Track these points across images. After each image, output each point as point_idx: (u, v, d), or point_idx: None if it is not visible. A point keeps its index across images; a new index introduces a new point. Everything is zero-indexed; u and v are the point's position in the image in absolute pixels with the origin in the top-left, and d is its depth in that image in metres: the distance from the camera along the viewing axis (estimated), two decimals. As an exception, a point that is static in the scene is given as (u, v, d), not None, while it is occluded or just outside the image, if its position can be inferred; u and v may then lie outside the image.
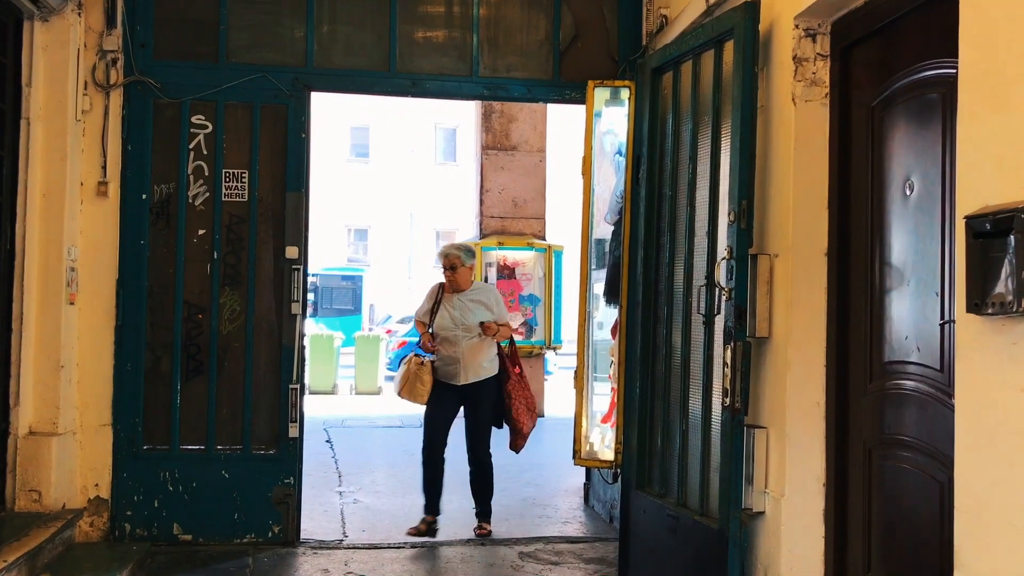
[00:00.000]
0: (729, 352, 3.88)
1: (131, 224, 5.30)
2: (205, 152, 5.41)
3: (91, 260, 5.22)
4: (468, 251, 5.79)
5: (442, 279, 5.84)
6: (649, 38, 5.55)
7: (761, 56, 4.03)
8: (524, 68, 5.81)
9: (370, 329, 23.09)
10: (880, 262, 3.52)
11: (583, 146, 5.37)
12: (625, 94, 5.16)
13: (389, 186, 33.88)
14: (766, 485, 3.92)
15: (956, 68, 2.83)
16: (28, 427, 4.94)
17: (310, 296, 15.90)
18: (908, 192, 3.35)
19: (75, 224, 5.15)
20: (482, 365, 5.68)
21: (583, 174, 5.36)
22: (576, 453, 5.32)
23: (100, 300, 5.23)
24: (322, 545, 5.45)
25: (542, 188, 12.28)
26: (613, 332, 5.34)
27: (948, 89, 3.09)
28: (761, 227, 4.02)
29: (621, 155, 5.30)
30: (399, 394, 5.76)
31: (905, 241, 3.37)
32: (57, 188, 5.04)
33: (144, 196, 5.32)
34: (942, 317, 3.10)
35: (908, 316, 3.33)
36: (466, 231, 19.00)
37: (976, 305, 2.54)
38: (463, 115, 27.29)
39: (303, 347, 5.45)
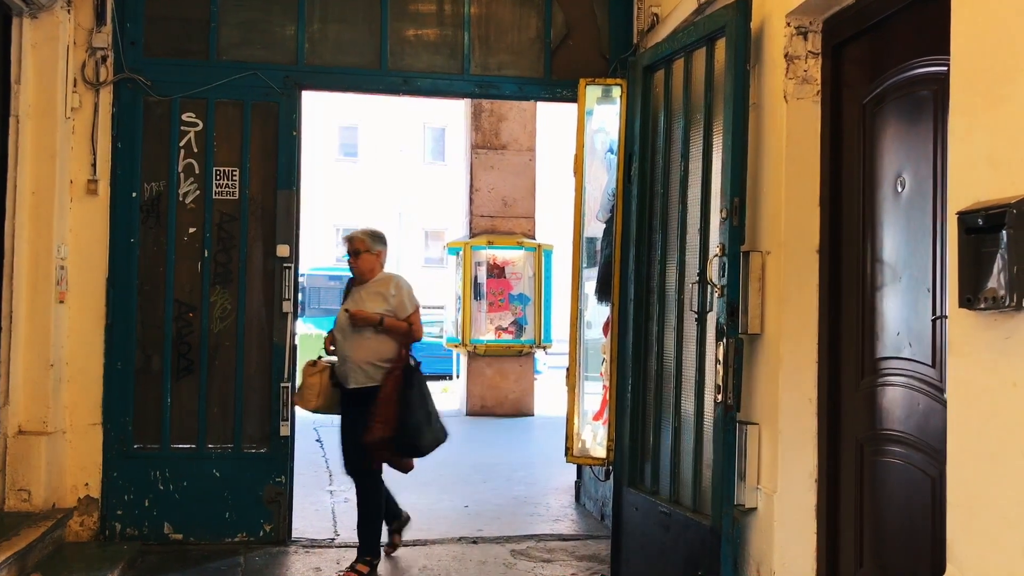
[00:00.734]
0: (721, 349, 3.90)
1: (121, 222, 5.28)
2: (196, 150, 5.40)
3: (81, 258, 5.19)
4: (377, 236, 5.11)
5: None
6: (640, 36, 5.57)
7: (753, 54, 4.04)
8: (515, 66, 5.82)
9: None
10: (872, 259, 3.53)
11: (574, 144, 5.37)
12: (616, 92, 5.17)
13: (378, 186, 33.80)
14: (758, 481, 3.94)
15: (947, 66, 2.85)
16: (18, 426, 4.91)
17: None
18: (900, 189, 3.36)
19: (65, 222, 5.13)
20: (367, 367, 4.86)
21: (575, 172, 5.36)
22: (568, 451, 5.32)
23: (90, 299, 5.21)
24: (314, 544, 5.44)
25: (532, 187, 12.30)
26: (605, 329, 5.35)
27: (939, 86, 3.11)
28: (753, 224, 4.03)
29: (612, 153, 5.31)
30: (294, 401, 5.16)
31: (897, 238, 3.39)
32: (46, 186, 5.02)
33: (134, 194, 5.30)
34: (934, 313, 3.12)
35: (900, 312, 3.35)
36: (455, 231, 19.01)
37: (968, 300, 2.55)
38: (452, 115, 27.27)
39: (294, 346, 5.44)
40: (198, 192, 5.39)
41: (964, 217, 2.57)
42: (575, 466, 6.57)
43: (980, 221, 2.49)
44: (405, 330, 4.92)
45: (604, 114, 5.42)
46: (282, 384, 5.36)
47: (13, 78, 4.92)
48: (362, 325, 4.85)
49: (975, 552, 2.60)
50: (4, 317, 4.88)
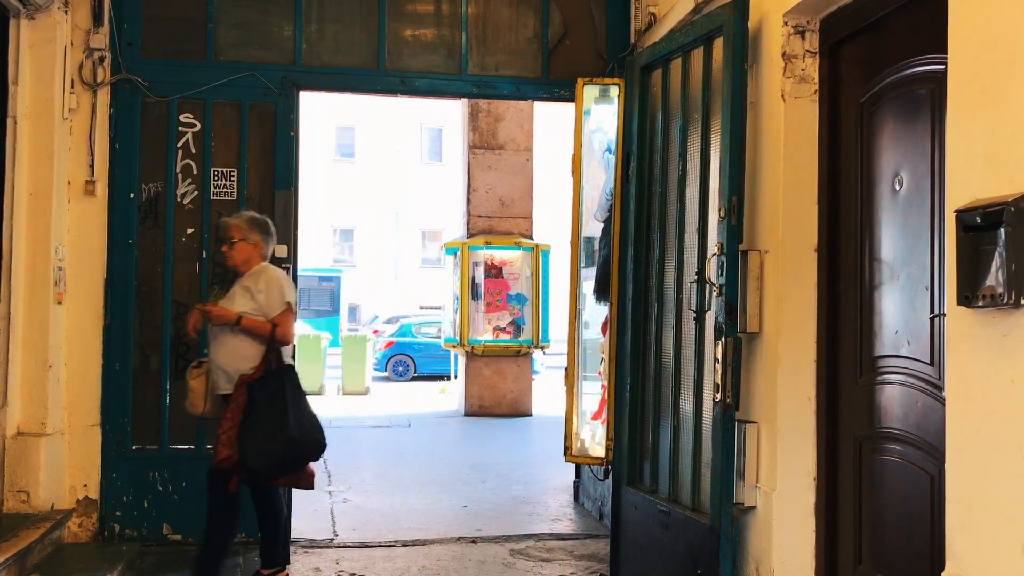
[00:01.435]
0: (720, 348, 3.90)
1: (119, 223, 5.27)
2: (193, 151, 5.39)
3: (79, 259, 5.19)
4: (256, 223, 4.58)
5: None
6: (637, 36, 5.57)
7: (750, 53, 4.05)
8: (513, 66, 5.82)
9: (355, 330, 23.06)
10: (870, 257, 3.54)
11: (572, 144, 5.38)
12: (614, 92, 5.18)
13: (375, 186, 33.83)
14: (757, 480, 3.95)
15: (944, 64, 2.86)
16: (16, 427, 4.91)
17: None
18: (897, 187, 3.37)
19: (63, 223, 5.12)
20: (228, 371, 4.36)
21: (572, 172, 5.36)
22: (567, 450, 5.32)
23: (88, 299, 5.20)
24: (313, 544, 5.44)
25: (529, 187, 12.31)
26: (603, 329, 5.35)
27: (936, 85, 3.12)
28: (751, 223, 4.04)
29: (610, 153, 5.32)
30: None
31: (894, 236, 3.40)
32: (44, 187, 5.01)
33: (132, 195, 5.30)
34: (932, 311, 3.13)
35: (898, 310, 3.36)
36: (452, 231, 19.00)
37: (967, 298, 2.56)
38: (449, 115, 27.30)
39: (293, 346, 5.42)
40: (196, 193, 5.38)
41: (962, 215, 2.58)
42: (573, 466, 6.57)
43: (978, 219, 2.51)
44: (267, 332, 4.34)
45: (602, 114, 5.43)
46: (281, 384, 5.34)
47: (11, 79, 4.91)
48: (219, 324, 4.37)
49: (974, 549, 2.61)
50: (2, 318, 4.87)
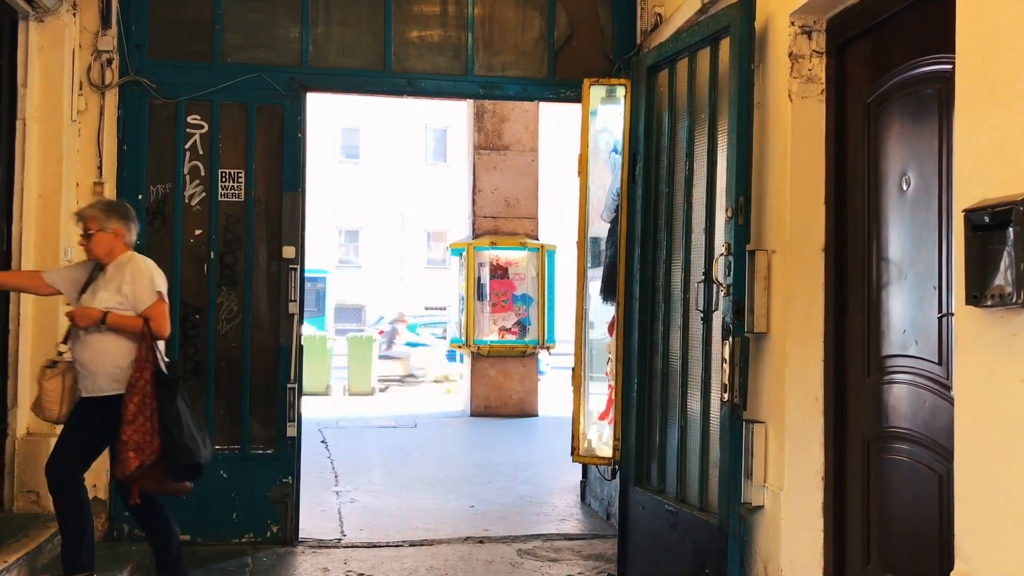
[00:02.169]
0: (727, 348, 3.91)
1: (127, 224, 5.28)
2: (201, 152, 5.41)
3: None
4: (114, 209, 4.21)
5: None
6: (643, 36, 5.58)
7: (757, 53, 4.05)
8: (519, 67, 5.83)
9: (361, 331, 23.09)
10: (877, 257, 3.55)
11: (579, 144, 5.38)
12: (621, 92, 5.18)
13: (380, 187, 33.88)
14: (765, 479, 3.95)
15: (952, 64, 2.86)
16: (26, 428, 4.93)
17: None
18: (905, 187, 3.38)
19: (71, 225, 5.13)
20: (102, 373, 4.01)
21: (579, 172, 5.37)
22: (574, 450, 5.33)
23: (97, 301, 5.21)
24: (321, 544, 5.46)
25: (534, 188, 12.31)
26: (610, 329, 5.36)
27: (944, 85, 3.12)
28: (758, 223, 4.04)
29: (617, 153, 5.32)
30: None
31: (902, 236, 3.40)
32: (53, 189, 5.04)
33: (140, 196, 5.31)
34: (940, 310, 3.13)
35: (906, 310, 3.36)
36: (456, 231, 19.03)
37: (975, 297, 2.57)
38: (453, 116, 27.30)
39: (300, 347, 5.45)
40: (204, 194, 5.40)
41: (970, 215, 2.58)
42: (580, 466, 6.58)
43: (987, 218, 2.51)
44: (139, 328, 3.99)
45: (608, 114, 5.43)
46: (288, 385, 5.37)
47: (20, 81, 4.94)
48: (83, 326, 4.02)
49: (984, 548, 2.61)
50: (12, 319, 4.90)
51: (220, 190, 5.40)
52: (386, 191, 33.91)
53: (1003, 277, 2.45)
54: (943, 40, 3.00)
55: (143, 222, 5.31)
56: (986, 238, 2.52)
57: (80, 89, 5.17)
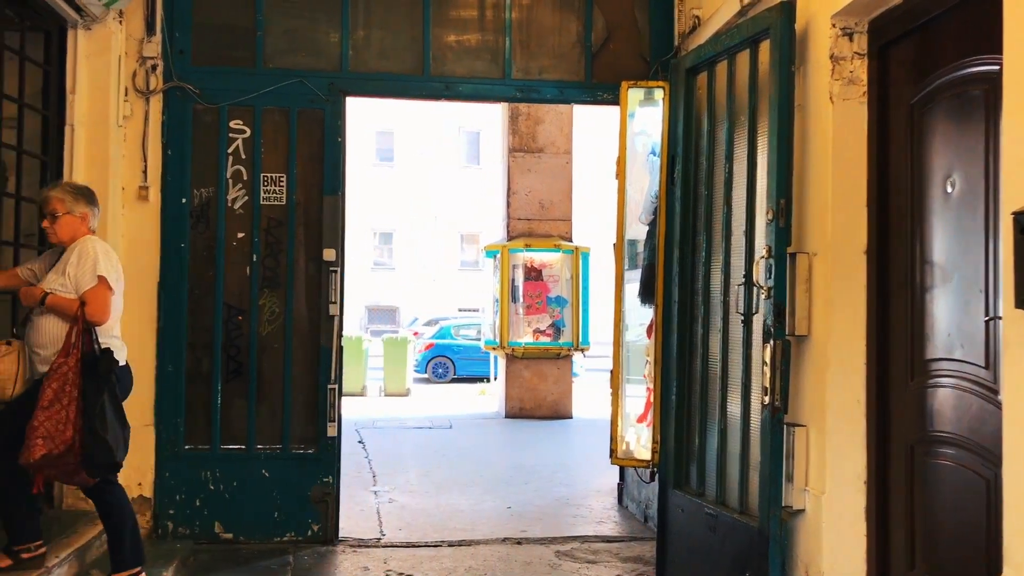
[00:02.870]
0: (768, 351, 3.90)
1: (171, 227, 5.38)
2: (243, 156, 5.49)
3: (133, 263, 5.28)
4: (81, 193, 4.12)
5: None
6: (681, 39, 5.57)
7: (798, 55, 4.04)
8: (556, 70, 5.85)
9: (395, 332, 23.22)
10: (921, 260, 3.52)
11: (617, 147, 5.39)
12: (659, 95, 5.19)
13: (413, 190, 34.09)
14: (806, 483, 3.93)
15: (999, 64, 2.84)
16: (74, 427, 5.02)
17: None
18: (949, 190, 3.35)
19: (117, 228, 5.23)
20: (43, 355, 3.91)
21: (617, 175, 5.38)
22: (613, 452, 5.34)
23: (142, 303, 5.31)
24: (361, 544, 5.51)
25: (568, 190, 12.33)
26: (648, 331, 5.35)
27: (991, 86, 3.09)
28: (799, 226, 4.03)
29: (655, 155, 5.32)
30: None
31: (947, 238, 3.38)
32: (99, 193, 5.02)
33: (184, 200, 5.41)
34: (987, 314, 3.10)
35: (950, 313, 3.33)
36: (490, 233, 19.07)
37: (1024, 301, 2.55)
38: (487, 118, 27.40)
39: (341, 347, 5.51)
40: (246, 198, 5.48)
41: (1020, 217, 2.56)
42: (616, 468, 6.58)
43: (1036, 221, 2.49)
44: (74, 311, 3.85)
45: (645, 117, 5.43)
46: (329, 386, 5.43)
47: (68, 88, 5.04)
48: (27, 304, 3.99)
49: (1032, 554, 2.59)
50: None
51: (262, 194, 5.48)
52: (420, 193, 34.11)
53: (1053, 280, 2.43)
54: (990, 41, 2.97)
55: (187, 225, 5.42)
56: (1035, 241, 2.50)
57: (126, 95, 5.27)
